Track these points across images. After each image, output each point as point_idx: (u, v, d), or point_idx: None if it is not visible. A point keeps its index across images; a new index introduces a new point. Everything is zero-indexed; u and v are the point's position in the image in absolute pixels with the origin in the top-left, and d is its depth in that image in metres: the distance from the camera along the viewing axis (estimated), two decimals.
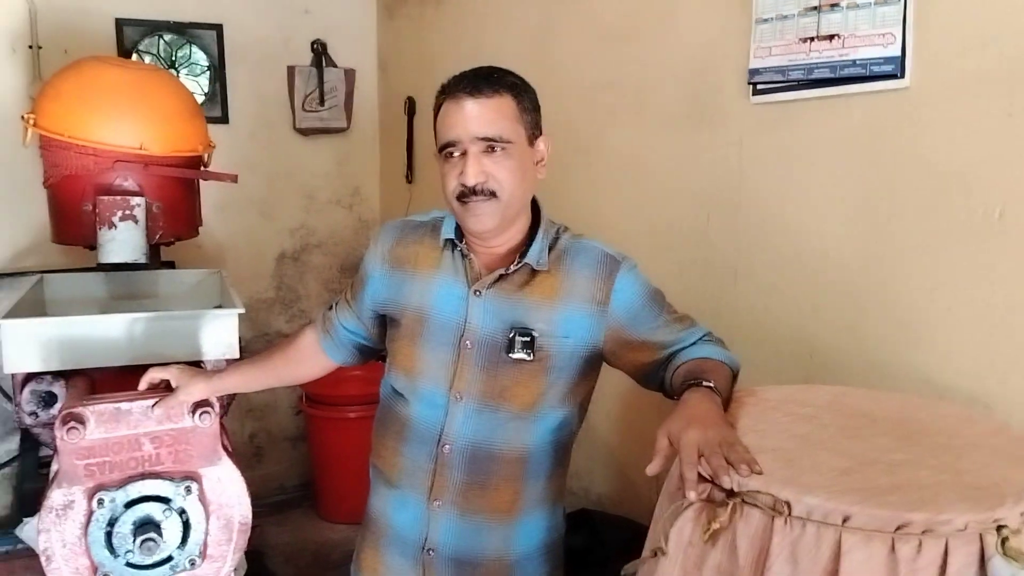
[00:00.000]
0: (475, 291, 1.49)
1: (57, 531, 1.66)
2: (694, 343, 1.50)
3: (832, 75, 1.77)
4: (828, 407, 1.34)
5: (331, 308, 1.74)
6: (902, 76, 1.65)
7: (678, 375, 1.43)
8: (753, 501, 1.04)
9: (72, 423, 1.63)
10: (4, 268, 3.09)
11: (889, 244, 1.70)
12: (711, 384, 1.32)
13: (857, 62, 1.72)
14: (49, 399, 2.09)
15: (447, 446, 1.51)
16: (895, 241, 1.69)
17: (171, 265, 3.18)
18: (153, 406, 1.69)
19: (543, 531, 1.61)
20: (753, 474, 1.05)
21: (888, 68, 1.66)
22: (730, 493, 1.07)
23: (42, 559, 1.66)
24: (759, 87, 1.95)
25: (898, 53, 1.65)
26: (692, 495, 1.08)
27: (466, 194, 1.43)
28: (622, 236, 1.93)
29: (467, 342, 1.49)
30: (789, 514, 1.00)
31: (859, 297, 1.76)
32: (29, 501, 2.35)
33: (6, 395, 2.99)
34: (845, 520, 0.98)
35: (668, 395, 1.47)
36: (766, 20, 1.91)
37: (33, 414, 2.11)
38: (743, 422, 1.25)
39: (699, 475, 1.10)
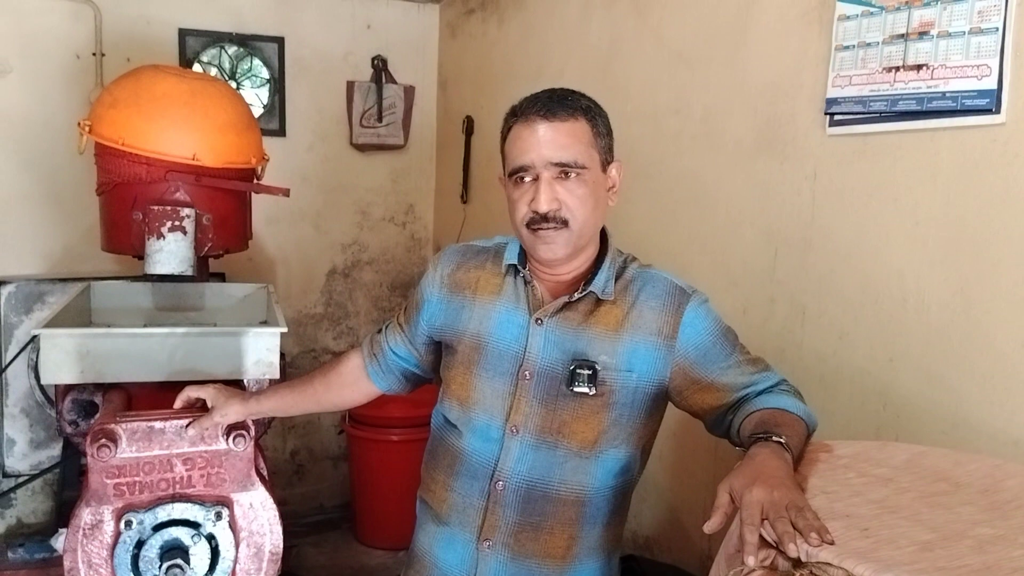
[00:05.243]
0: (536, 320, 1.44)
1: (83, 551, 1.63)
2: (768, 390, 1.43)
3: (918, 108, 1.67)
4: (905, 468, 1.25)
5: (380, 332, 1.69)
6: (997, 111, 1.53)
7: (748, 424, 1.35)
8: (823, 574, 0.95)
9: (103, 440, 1.59)
10: (57, 273, 3.12)
11: (977, 291, 1.59)
12: (782, 440, 1.23)
13: (947, 95, 1.61)
14: (90, 409, 2.07)
15: (501, 483, 1.45)
16: (984, 288, 1.58)
17: (221, 277, 3.19)
18: (187, 426, 1.64)
19: None
20: (824, 544, 0.97)
21: (982, 102, 1.55)
22: (796, 563, 0.98)
23: None
24: (836, 118, 1.86)
25: (994, 86, 1.53)
26: (752, 561, 1.01)
27: (537, 221, 1.37)
28: (683, 269, 1.84)
29: (526, 373, 1.43)
30: None
31: (940, 347, 1.65)
32: (68, 510, 2.34)
33: (50, 401, 3.00)
34: None
35: (735, 443, 1.39)
36: (847, 47, 1.82)
37: (74, 423, 2.10)
38: (812, 481, 1.18)
39: (762, 539, 1.03)
